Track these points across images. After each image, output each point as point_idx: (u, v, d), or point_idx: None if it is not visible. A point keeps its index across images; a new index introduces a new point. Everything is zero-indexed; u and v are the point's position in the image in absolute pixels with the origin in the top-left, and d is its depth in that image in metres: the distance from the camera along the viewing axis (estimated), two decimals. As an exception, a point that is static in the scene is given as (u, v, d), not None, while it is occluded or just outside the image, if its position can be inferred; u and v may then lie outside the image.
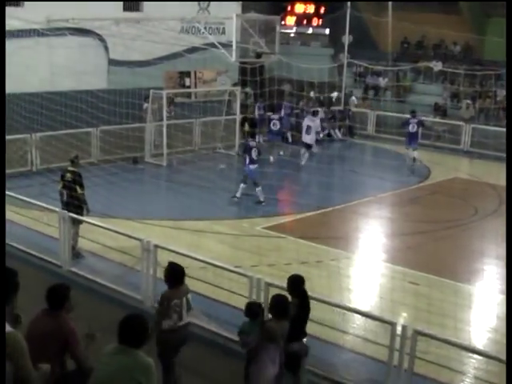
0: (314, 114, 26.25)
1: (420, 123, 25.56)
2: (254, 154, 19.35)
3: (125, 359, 6.06)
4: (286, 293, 8.76)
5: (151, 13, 26.09)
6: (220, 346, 10.66)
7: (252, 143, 19.72)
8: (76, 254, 14.07)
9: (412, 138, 25.06)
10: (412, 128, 25.11)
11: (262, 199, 19.23)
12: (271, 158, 24.68)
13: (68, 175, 14.39)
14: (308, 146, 24.77)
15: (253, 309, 8.96)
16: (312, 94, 31.02)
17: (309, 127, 24.73)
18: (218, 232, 16.60)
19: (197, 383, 9.92)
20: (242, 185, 19.42)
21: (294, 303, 8.59)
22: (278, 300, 8.32)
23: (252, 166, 19.32)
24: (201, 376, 10.02)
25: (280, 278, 12.10)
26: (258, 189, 19.22)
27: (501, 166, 19.42)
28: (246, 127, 25.35)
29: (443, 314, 10.77)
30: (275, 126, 25.83)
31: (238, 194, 19.42)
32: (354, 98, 33.49)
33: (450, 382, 9.78)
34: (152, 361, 6.19)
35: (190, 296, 9.03)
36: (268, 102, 26.56)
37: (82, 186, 14.33)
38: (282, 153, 25.63)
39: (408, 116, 26.00)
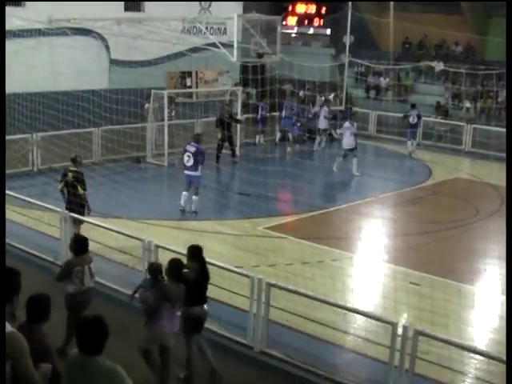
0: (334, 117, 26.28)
1: (419, 116, 27.72)
2: (189, 158, 17.67)
3: (85, 371, 5.76)
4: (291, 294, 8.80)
5: (152, 13, 26.13)
6: (221, 346, 10.65)
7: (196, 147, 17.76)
8: None
9: (412, 130, 27.43)
10: (412, 120, 27.38)
11: (195, 209, 17.74)
12: (288, 149, 25.73)
13: (70, 175, 14.37)
14: (351, 150, 23.39)
15: (153, 268, 9.44)
16: (301, 93, 30.94)
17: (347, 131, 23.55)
18: (220, 232, 16.59)
19: (197, 383, 9.91)
20: (184, 193, 17.86)
21: (194, 270, 9.45)
22: (173, 264, 9.22)
23: (194, 173, 17.64)
24: (201, 376, 10.00)
25: (281, 278, 12.14)
26: (195, 198, 17.70)
27: (502, 166, 19.42)
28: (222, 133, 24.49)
29: (445, 314, 10.76)
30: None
31: (193, 207, 17.84)
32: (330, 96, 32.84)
33: (452, 382, 9.76)
34: (113, 364, 5.81)
35: (92, 265, 10.26)
36: (269, 101, 26.59)
37: (83, 186, 14.32)
38: (289, 149, 25.97)
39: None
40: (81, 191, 14.20)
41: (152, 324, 9.06)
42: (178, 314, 9.47)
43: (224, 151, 26.02)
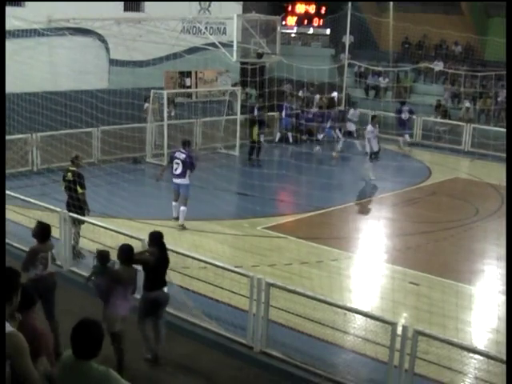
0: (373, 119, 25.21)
1: (411, 111, 29.04)
2: (178, 165, 16.69)
3: (78, 375, 5.71)
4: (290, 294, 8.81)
5: (152, 13, 26.10)
6: (221, 347, 10.66)
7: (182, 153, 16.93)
8: (77, 254, 14.08)
9: (405, 125, 28.61)
10: (405, 116, 28.64)
11: (182, 222, 16.72)
12: (317, 148, 26.10)
13: (69, 175, 14.42)
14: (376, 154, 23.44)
15: (103, 255, 9.95)
16: (301, 93, 30.95)
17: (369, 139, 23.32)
18: (219, 232, 16.60)
19: (197, 383, 9.92)
20: (174, 203, 17.06)
21: (153, 255, 9.96)
22: (124, 248, 9.74)
23: (183, 181, 16.78)
24: (201, 376, 10.02)
25: (281, 278, 12.15)
26: (183, 208, 16.72)
27: (501, 166, 19.42)
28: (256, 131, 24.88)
29: (444, 314, 10.75)
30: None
31: (180, 220, 16.85)
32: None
33: (451, 382, 9.76)
34: (106, 368, 5.74)
35: (54, 251, 10.81)
36: (268, 102, 26.56)
37: (82, 186, 14.32)
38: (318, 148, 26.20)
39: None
40: (80, 191, 14.22)
41: (104, 307, 9.48)
42: (138, 296, 10.22)
43: (223, 151, 26.07)
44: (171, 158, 17.06)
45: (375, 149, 23.16)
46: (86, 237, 14.66)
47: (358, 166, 23.92)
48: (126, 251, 9.73)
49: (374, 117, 25.45)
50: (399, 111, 29.03)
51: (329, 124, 28.50)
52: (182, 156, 16.70)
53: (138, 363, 9.88)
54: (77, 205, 14.16)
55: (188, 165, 16.63)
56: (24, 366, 5.65)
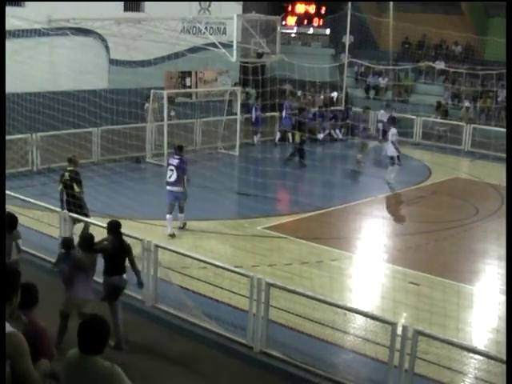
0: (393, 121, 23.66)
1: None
2: (172, 172, 15.98)
3: (84, 371, 5.78)
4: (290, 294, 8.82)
5: (152, 13, 26.12)
6: (221, 347, 10.66)
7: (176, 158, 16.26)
8: None
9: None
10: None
11: (182, 224, 16.36)
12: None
13: (66, 174, 14.55)
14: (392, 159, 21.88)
15: (66, 242, 10.79)
16: (299, 93, 30.88)
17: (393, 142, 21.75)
18: (219, 232, 16.59)
19: (197, 383, 9.92)
20: (168, 216, 16.02)
21: (111, 243, 10.63)
22: (85, 237, 10.75)
23: (178, 189, 16.04)
24: (201, 376, 10.02)
25: (281, 278, 12.15)
26: (181, 215, 16.26)
27: (502, 166, 19.45)
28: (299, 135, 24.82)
29: (444, 314, 10.76)
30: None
31: (180, 223, 16.36)
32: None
33: (451, 382, 9.76)
34: (111, 364, 5.80)
35: (20, 241, 10.98)
36: (269, 101, 26.59)
37: (79, 185, 14.42)
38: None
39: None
40: (77, 189, 14.32)
41: (68, 291, 10.06)
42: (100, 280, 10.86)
43: (223, 151, 26.07)
44: (167, 165, 16.53)
45: (396, 152, 21.72)
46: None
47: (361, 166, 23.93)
48: (87, 239, 10.58)
49: (394, 118, 24.48)
50: (389, 110, 29.20)
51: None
52: (175, 162, 16.01)
53: (138, 362, 9.89)
54: (77, 204, 14.23)
55: (181, 170, 15.89)
56: (24, 366, 5.65)
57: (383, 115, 28.68)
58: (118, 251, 10.61)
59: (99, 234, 13.89)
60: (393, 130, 22.10)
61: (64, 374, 6.01)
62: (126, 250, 10.73)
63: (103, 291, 10.73)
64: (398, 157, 21.78)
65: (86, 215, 14.34)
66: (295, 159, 24.51)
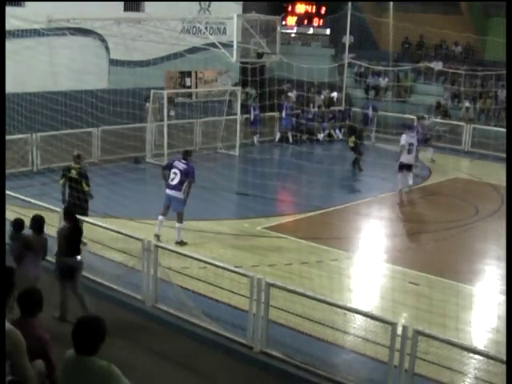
0: (410, 127, 23.00)
1: (374, 108, 30.44)
2: (176, 176, 15.38)
3: (81, 371, 5.78)
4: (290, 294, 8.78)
5: (152, 13, 26.13)
6: (221, 346, 10.66)
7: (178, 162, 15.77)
8: None
9: (371, 122, 29.93)
10: (370, 113, 30.07)
11: (179, 239, 15.27)
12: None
13: (73, 172, 14.74)
14: (409, 167, 20.96)
15: (16, 223, 11.38)
16: (292, 94, 30.69)
17: (411, 145, 20.70)
18: (219, 232, 16.60)
19: (197, 383, 9.92)
20: (160, 217, 15.50)
21: (66, 226, 11.33)
22: (36, 219, 11.08)
23: (177, 194, 15.40)
24: (201, 376, 10.02)
25: (281, 278, 12.15)
26: (178, 225, 15.39)
27: (501, 166, 19.44)
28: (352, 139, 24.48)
29: (444, 314, 10.76)
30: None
31: (177, 238, 15.34)
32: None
33: (451, 382, 9.75)
34: (108, 364, 5.80)
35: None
36: (268, 102, 26.57)
37: (88, 182, 14.70)
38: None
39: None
40: (86, 188, 14.49)
41: (19, 269, 10.04)
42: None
43: (223, 151, 26.07)
44: (168, 166, 15.77)
45: (407, 160, 20.77)
46: (85, 237, 14.71)
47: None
48: (37, 221, 11.05)
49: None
50: (366, 108, 30.68)
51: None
52: (182, 166, 15.41)
53: (137, 362, 9.89)
54: (81, 201, 14.40)
55: (189, 176, 15.23)
56: (22, 363, 5.67)
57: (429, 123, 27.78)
58: (73, 234, 11.25)
59: (99, 233, 13.98)
60: (411, 134, 21.37)
61: (61, 375, 6.02)
62: (80, 233, 11.49)
63: (57, 271, 11.34)
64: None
65: (86, 215, 14.38)
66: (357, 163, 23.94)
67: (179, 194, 15.26)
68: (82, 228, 11.84)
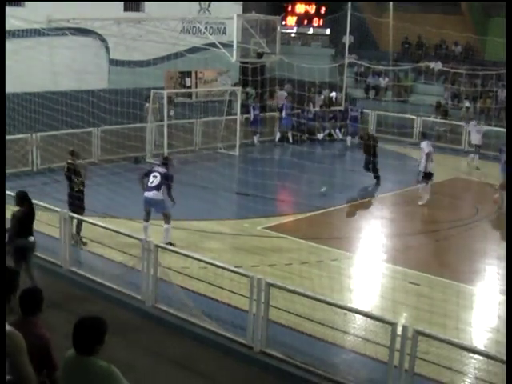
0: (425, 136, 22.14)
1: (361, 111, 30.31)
2: (156, 178, 15.15)
3: (81, 371, 5.78)
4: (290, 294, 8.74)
5: (152, 13, 26.10)
6: (221, 346, 10.66)
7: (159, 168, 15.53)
8: (76, 241, 14.47)
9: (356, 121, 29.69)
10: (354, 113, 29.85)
11: (166, 241, 14.66)
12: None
13: (65, 167, 15.09)
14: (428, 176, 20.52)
15: None
16: (283, 91, 30.46)
17: (429, 154, 20.55)
18: (219, 232, 16.60)
19: (197, 383, 9.92)
20: (145, 224, 15.23)
21: (23, 209, 11.78)
22: (19, 195, 11.96)
23: (157, 195, 15.12)
24: (201, 376, 10.02)
25: (281, 278, 12.15)
26: (166, 226, 15.11)
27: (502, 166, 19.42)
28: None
29: (444, 314, 10.76)
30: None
31: (165, 239, 14.82)
32: None
33: (451, 382, 9.76)
34: (108, 364, 5.79)
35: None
36: (268, 101, 26.60)
37: (79, 177, 14.87)
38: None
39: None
40: (75, 181, 14.76)
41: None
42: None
43: (223, 151, 26.06)
44: (147, 173, 15.40)
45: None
46: (85, 236, 14.74)
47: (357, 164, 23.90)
48: (21, 196, 11.83)
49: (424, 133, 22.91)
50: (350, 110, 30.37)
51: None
52: (162, 170, 15.27)
53: (137, 362, 9.89)
54: (74, 197, 14.68)
55: (168, 179, 15.08)
56: (22, 364, 5.67)
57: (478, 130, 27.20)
58: (26, 216, 11.78)
59: (99, 233, 13.98)
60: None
61: (61, 375, 6.02)
62: (33, 215, 12.00)
63: (13, 252, 11.59)
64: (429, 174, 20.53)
65: (82, 208, 14.63)
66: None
67: (158, 195, 15.02)
68: (35, 211, 12.23)
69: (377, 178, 22.60)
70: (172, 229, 15.26)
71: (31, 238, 11.89)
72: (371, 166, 22.49)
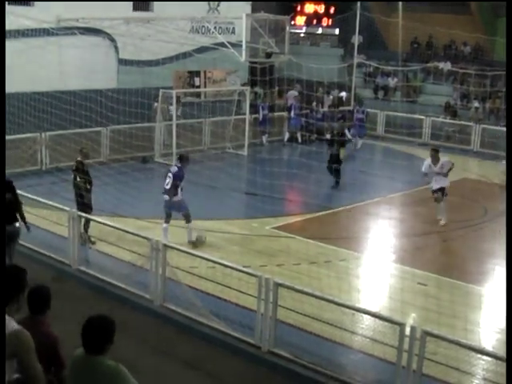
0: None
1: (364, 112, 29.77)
2: (170, 179, 15.09)
3: (89, 371, 5.79)
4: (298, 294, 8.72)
5: (161, 12, 26.16)
6: (229, 346, 10.66)
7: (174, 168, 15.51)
8: (84, 239, 14.43)
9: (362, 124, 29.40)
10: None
11: (192, 238, 15.17)
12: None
13: (73, 165, 15.14)
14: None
15: None
16: (293, 92, 30.33)
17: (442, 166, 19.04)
18: (228, 232, 16.60)
19: (205, 383, 9.92)
20: (164, 225, 15.15)
21: (9, 197, 11.94)
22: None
23: (173, 197, 15.12)
24: (209, 376, 10.02)
25: (289, 278, 12.14)
26: (188, 226, 15.29)
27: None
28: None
29: (452, 315, 10.74)
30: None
31: (188, 238, 15.19)
32: None
33: (459, 383, 9.74)
34: (116, 363, 5.81)
35: None
36: (277, 101, 26.58)
37: (81, 175, 14.85)
38: None
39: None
40: (79, 179, 14.77)
41: None
42: None
43: (232, 151, 26.06)
44: (166, 174, 15.48)
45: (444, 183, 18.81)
46: (93, 236, 14.76)
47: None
48: (8, 184, 11.97)
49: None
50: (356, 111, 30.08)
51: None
52: (174, 169, 15.27)
53: (145, 361, 9.90)
54: (77, 195, 14.75)
55: (177, 179, 15.00)
56: (31, 363, 5.67)
57: None
58: (12, 203, 12.01)
59: (107, 233, 13.99)
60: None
61: (69, 374, 6.03)
62: (18, 203, 12.29)
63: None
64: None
65: (90, 207, 14.65)
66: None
67: (175, 197, 15.02)
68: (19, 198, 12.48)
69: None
70: (180, 228, 15.28)
71: (17, 224, 12.19)
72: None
